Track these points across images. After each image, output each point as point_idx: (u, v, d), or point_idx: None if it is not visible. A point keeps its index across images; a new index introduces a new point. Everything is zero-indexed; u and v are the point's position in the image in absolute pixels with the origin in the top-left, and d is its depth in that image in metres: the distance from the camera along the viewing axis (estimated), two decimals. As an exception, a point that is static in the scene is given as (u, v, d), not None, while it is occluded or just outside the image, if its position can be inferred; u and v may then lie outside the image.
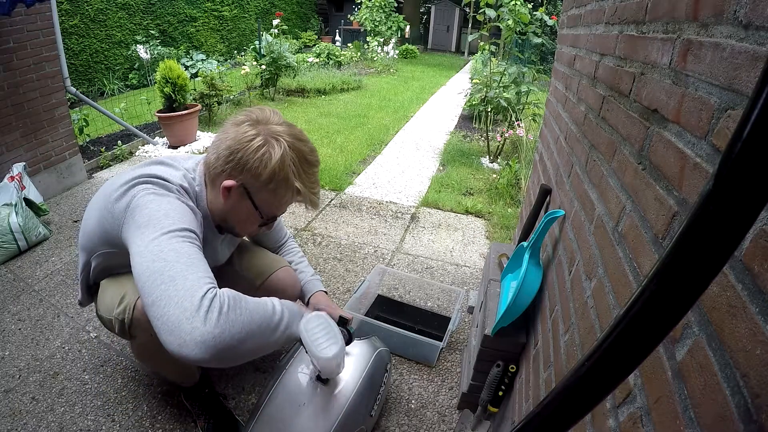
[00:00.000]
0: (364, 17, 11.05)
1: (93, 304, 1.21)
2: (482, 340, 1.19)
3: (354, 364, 1.20)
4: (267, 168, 0.93)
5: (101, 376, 1.48)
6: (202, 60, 6.84)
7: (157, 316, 0.74)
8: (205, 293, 0.75)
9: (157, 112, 3.87)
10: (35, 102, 2.62)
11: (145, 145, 3.87)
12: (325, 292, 1.40)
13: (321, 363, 0.96)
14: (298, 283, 1.38)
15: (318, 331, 0.97)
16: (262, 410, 1.10)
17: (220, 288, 0.81)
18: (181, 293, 0.74)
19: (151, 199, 0.89)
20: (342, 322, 1.17)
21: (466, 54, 14.18)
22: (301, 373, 1.15)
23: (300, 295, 1.38)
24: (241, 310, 0.79)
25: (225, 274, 1.33)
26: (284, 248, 1.48)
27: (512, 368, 1.17)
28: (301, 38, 12.21)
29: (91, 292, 1.21)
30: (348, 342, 1.17)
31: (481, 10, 3.46)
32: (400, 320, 1.80)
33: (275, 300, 0.91)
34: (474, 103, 5.07)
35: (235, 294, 0.81)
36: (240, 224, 1.07)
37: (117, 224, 0.91)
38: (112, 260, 1.06)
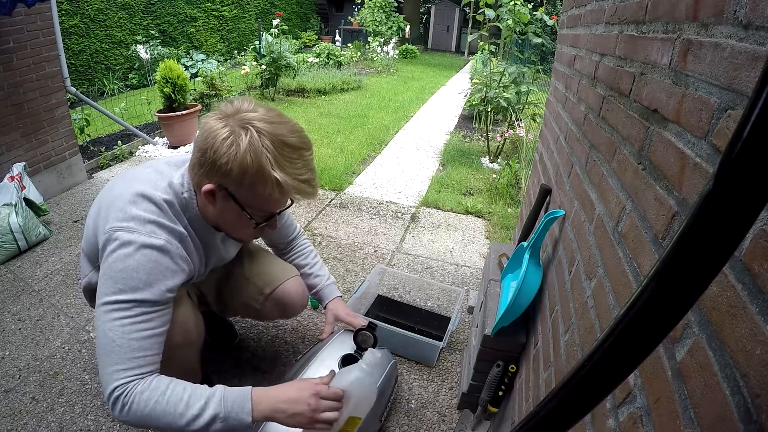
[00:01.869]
0: (365, 17, 11.05)
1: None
2: (482, 340, 1.19)
3: (375, 369, 1.23)
4: (236, 162, 0.83)
5: (101, 376, 1.48)
6: (202, 60, 6.85)
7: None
8: (112, 391, 0.82)
9: (157, 112, 3.87)
10: (35, 102, 2.62)
11: (145, 145, 3.87)
12: (341, 296, 1.40)
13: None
14: (306, 294, 1.37)
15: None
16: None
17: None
18: (103, 375, 0.85)
19: (118, 255, 0.87)
20: (370, 327, 1.23)
21: (466, 54, 14.17)
22: (324, 369, 1.17)
23: (310, 301, 1.36)
24: (147, 410, 0.82)
25: (233, 278, 1.31)
26: (295, 246, 1.42)
27: (512, 368, 1.17)
28: (301, 38, 12.21)
29: (94, 295, 1.20)
30: (373, 345, 1.22)
31: (480, 11, 3.46)
32: (400, 320, 1.80)
33: (209, 407, 0.84)
34: (474, 103, 5.07)
35: (148, 394, 0.82)
36: (233, 229, 1.01)
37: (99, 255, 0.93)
38: None
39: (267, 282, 1.29)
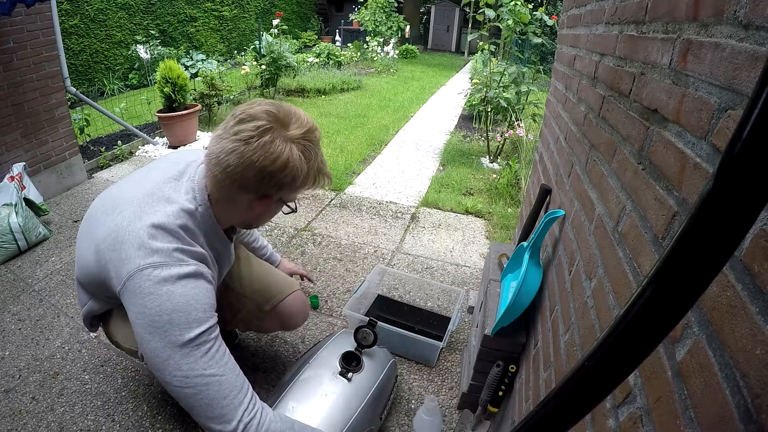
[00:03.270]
0: (365, 17, 11.05)
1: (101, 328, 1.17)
2: (482, 340, 1.19)
3: (374, 367, 1.26)
4: (301, 175, 0.89)
5: (101, 376, 1.48)
6: (202, 60, 6.84)
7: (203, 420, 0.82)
8: (238, 422, 0.79)
9: (157, 112, 3.87)
10: (35, 102, 2.62)
11: (145, 145, 3.87)
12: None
13: None
14: (307, 307, 1.38)
15: None
16: (285, 393, 1.15)
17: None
18: (218, 414, 0.79)
19: (160, 296, 0.80)
20: (370, 324, 1.24)
21: (466, 54, 14.17)
22: (324, 367, 1.22)
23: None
24: None
25: (232, 294, 1.29)
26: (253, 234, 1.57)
27: (512, 368, 1.17)
28: (301, 38, 12.21)
29: (95, 321, 1.15)
30: (373, 343, 1.24)
31: (480, 11, 3.46)
32: (400, 320, 1.80)
33: None
34: (474, 103, 5.07)
35: (281, 426, 0.84)
36: (260, 221, 1.07)
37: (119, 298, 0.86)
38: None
39: (266, 299, 1.28)
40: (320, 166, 0.95)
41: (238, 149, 0.84)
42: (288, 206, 1.00)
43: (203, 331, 0.81)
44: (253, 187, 0.89)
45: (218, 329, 0.86)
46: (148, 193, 0.91)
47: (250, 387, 0.85)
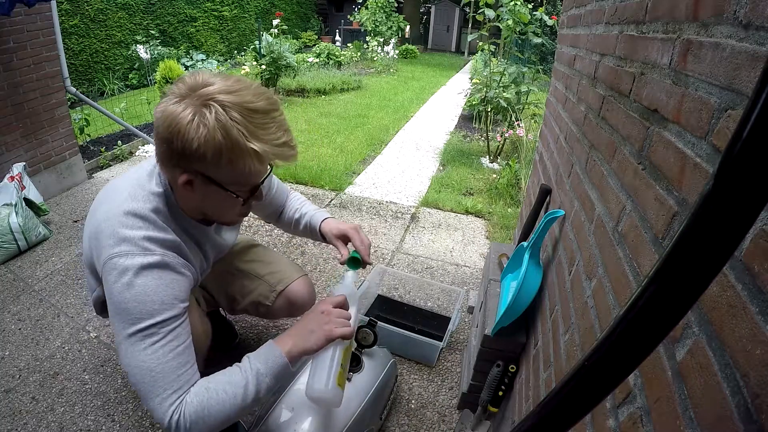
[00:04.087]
0: (365, 17, 11.05)
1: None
2: (482, 340, 1.19)
3: (374, 367, 1.26)
4: (208, 144, 0.77)
5: (101, 376, 1.48)
6: (202, 60, 6.85)
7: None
8: (170, 418, 0.80)
9: (157, 112, 3.86)
10: (35, 102, 2.62)
11: (145, 145, 3.87)
12: (329, 216, 1.29)
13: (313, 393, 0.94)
14: (314, 293, 1.39)
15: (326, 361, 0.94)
16: (285, 393, 1.13)
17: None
18: (153, 408, 0.81)
19: (121, 284, 0.83)
20: (370, 324, 1.22)
21: (466, 54, 14.18)
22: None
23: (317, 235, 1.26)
24: (207, 416, 0.81)
25: (246, 276, 1.33)
26: (288, 204, 1.33)
27: (512, 368, 1.17)
28: (301, 38, 12.21)
29: (104, 307, 1.15)
30: (373, 343, 1.22)
31: (480, 11, 3.46)
32: (400, 320, 1.80)
33: (250, 373, 0.85)
34: (474, 103, 5.07)
35: (198, 403, 0.81)
36: (221, 213, 0.97)
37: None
38: None
39: (279, 279, 1.32)
40: (258, 136, 0.79)
41: (157, 116, 0.81)
42: (233, 193, 0.86)
43: (153, 324, 0.82)
44: (167, 160, 0.83)
45: (179, 321, 0.85)
46: (130, 183, 0.93)
47: (188, 383, 0.83)
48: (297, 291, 1.32)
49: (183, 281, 0.91)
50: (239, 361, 0.89)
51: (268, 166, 0.87)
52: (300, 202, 1.34)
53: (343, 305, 0.98)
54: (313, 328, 0.91)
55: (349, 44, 10.49)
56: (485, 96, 3.93)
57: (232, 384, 0.83)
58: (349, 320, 0.95)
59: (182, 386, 0.82)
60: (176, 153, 0.79)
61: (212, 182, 0.84)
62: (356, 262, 1.13)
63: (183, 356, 0.84)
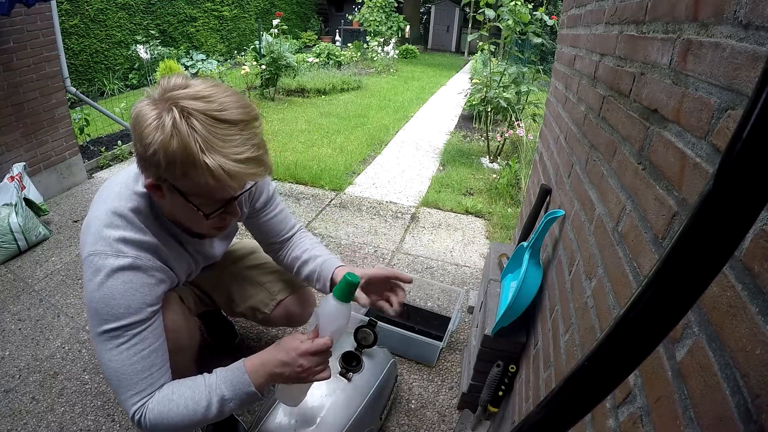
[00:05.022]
0: (365, 17, 11.05)
1: None
2: (482, 340, 1.19)
3: (374, 367, 1.26)
4: (161, 149, 0.71)
5: (101, 376, 1.48)
6: (202, 60, 6.85)
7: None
8: (133, 416, 0.84)
9: (157, 112, 3.86)
10: (35, 102, 2.62)
11: (145, 145, 3.87)
12: (342, 265, 1.17)
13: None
14: (314, 305, 1.38)
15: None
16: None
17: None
18: (121, 402, 0.86)
19: (93, 284, 0.84)
20: (370, 324, 1.23)
21: (466, 54, 14.17)
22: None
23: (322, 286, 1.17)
24: (167, 426, 0.84)
25: (247, 281, 1.32)
26: (292, 243, 1.22)
27: (512, 368, 1.17)
28: (301, 38, 12.20)
29: None
30: (373, 343, 1.23)
31: (480, 11, 3.46)
32: (400, 320, 1.80)
33: (214, 395, 0.85)
34: (474, 103, 5.07)
35: (159, 412, 0.83)
36: (190, 224, 0.92)
37: None
38: None
39: (280, 289, 1.31)
40: (216, 149, 0.72)
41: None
42: (194, 207, 0.80)
43: (119, 327, 0.83)
44: (138, 162, 0.81)
45: (145, 325, 0.86)
46: (120, 182, 0.94)
47: (152, 386, 0.85)
48: (297, 303, 1.32)
49: (155, 286, 0.90)
50: (227, 363, 0.89)
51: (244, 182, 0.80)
52: (311, 243, 1.20)
53: (326, 352, 0.89)
54: (293, 374, 0.87)
55: (349, 44, 10.48)
56: (485, 96, 3.93)
57: (195, 401, 0.84)
58: (328, 360, 0.91)
59: (145, 389, 0.84)
60: (139, 155, 0.78)
61: (176, 191, 0.79)
62: (349, 290, 0.88)
63: (148, 360, 0.85)
